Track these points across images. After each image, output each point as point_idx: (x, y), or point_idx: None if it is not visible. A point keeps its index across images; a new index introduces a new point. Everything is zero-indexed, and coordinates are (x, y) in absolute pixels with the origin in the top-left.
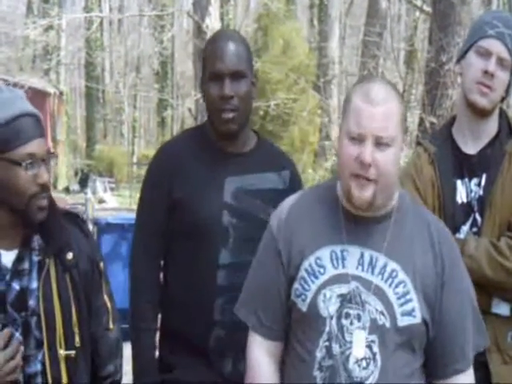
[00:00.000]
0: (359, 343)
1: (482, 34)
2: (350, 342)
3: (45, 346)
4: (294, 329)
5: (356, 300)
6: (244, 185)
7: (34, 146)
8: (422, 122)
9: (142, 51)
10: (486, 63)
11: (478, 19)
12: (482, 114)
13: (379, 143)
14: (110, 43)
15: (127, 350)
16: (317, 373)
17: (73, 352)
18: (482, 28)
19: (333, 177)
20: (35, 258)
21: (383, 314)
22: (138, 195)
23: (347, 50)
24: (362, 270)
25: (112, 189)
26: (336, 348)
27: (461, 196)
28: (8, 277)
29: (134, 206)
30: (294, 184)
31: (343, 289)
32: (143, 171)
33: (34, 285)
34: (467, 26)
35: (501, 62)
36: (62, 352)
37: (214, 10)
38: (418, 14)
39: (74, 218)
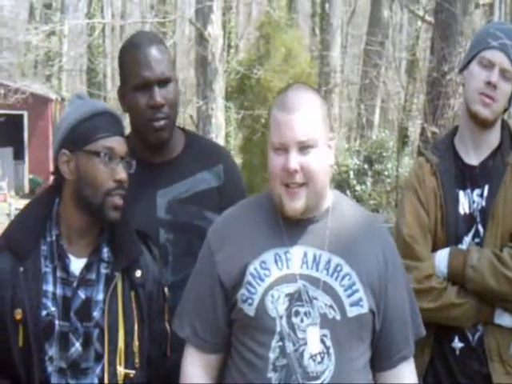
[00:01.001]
0: (313, 338)
1: (485, 45)
2: (303, 339)
3: (105, 361)
4: (241, 337)
5: (304, 297)
6: (176, 195)
7: (113, 142)
8: (423, 131)
9: None
10: (488, 74)
11: (481, 30)
12: (484, 124)
13: (302, 148)
14: (111, 50)
15: None
16: (271, 374)
17: (132, 372)
18: (485, 39)
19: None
20: (103, 270)
21: (332, 308)
22: None
23: (349, 59)
24: (307, 268)
25: None
26: (290, 346)
27: (463, 207)
28: (75, 284)
29: None
30: (230, 177)
31: (290, 288)
32: None
33: (100, 297)
34: (469, 37)
35: (503, 73)
36: (121, 369)
37: (216, 17)
38: (419, 23)
39: (144, 237)
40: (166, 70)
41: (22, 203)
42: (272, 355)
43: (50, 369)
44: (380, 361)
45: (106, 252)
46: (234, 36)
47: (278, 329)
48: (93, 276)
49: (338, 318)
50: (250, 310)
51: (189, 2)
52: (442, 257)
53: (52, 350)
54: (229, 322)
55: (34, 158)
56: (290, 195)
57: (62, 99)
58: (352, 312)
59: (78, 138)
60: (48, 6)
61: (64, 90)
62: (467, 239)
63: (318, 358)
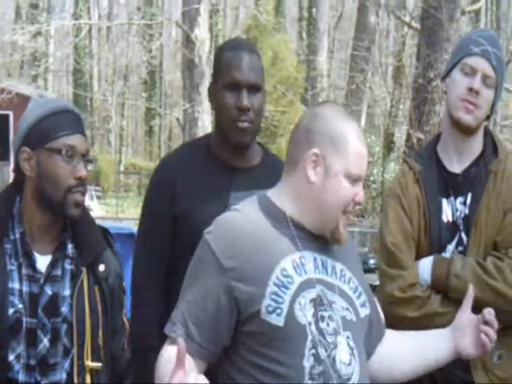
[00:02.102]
0: (343, 341)
1: (468, 51)
2: (333, 343)
3: (74, 356)
4: (260, 350)
5: (325, 302)
6: None
7: (74, 140)
8: (409, 137)
9: (130, 59)
10: (471, 81)
11: (463, 37)
12: (467, 131)
13: None
14: (98, 51)
15: None
16: (309, 382)
17: (99, 365)
18: (467, 46)
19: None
20: (67, 266)
21: (349, 310)
22: (124, 204)
23: (335, 64)
24: (320, 272)
25: (98, 197)
26: (322, 352)
27: (446, 215)
28: (42, 281)
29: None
30: None
31: (312, 293)
32: (130, 180)
33: (67, 292)
34: (455, 43)
35: (485, 79)
36: (88, 363)
37: (203, 20)
38: (406, 29)
39: (104, 232)
40: (257, 78)
41: None
42: (307, 364)
43: (17, 367)
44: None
45: (70, 248)
46: (221, 39)
47: (310, 336)
48: (58, 272)
49: (354, 319)
50: (279, 321)
51: (176, 4)
52: (425, 265)
53: (20, 348)
54: (231, 336)
55: None
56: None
57: None
58: (363, 313)
59: (38, 135)
60: (34, 7)
61: (50, 90)
62: (450, 247)
63: (347, 361)
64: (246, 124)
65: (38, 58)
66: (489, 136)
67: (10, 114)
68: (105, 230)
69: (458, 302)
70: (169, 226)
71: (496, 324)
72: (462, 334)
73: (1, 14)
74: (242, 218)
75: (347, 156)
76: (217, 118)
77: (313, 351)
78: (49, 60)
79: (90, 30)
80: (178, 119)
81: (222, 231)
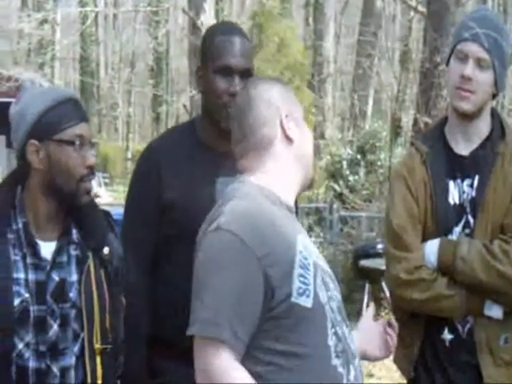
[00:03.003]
0: (344, 320)
1: (459, 37)
2: (341, 321)
3: (85, 340)
4: (290, 335)
5: (325, 281)
6: None
7: (82, 129)
8: (416, 122)
9: (136, 47)
10: (463, 67)
11: (459, 22)
12: (466, 117)
13: None
14: (104, 38)
15: None
16: (335, 361)
17: (109, 346)
18: (459, 32)
19: None
20: (73, 252)
21: (336, 290)
22: None
23: (342, 49)
24: (311, 254)
25: (106, 184)
26: (339, 330)
27: (453, 197)
28: (48, 267)
29: None
30: None
31: (320, 273)
32: None
33: (74, 278)
34: None
35: (479, 62)
36: (98, 346)
37: (208, 6)
38: (412, 14)
39: (105, 215)
40: (249, 63)
41: None
42: (331, 342)
43: (27, 354)
44: None
45: (74, 233)
46: None
47: (329, 315)
48: (64, 258)
49: (339, 297)
50: (308, 302)
51: None
52: (431, 248)
53: (28, 336)
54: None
55: None
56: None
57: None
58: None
59: (46, 127)
60: None
61: (57, 78)
62: (457, 230)
63: (351, 337)
64: None
65: (44, 45)
66: (496, 118)
67: None
68: (106, 213)
69: (464, 285)
70: (154, 213)
71: (397, 328)
72: (367, 341)
73: (7, 2)
74: (255, 207)
75: (296, 102)
76: (206, 103)
77: (333, 330)
78: (55, 48)
79: (96, 18)
80: (184, 106)
81: (245, 221)
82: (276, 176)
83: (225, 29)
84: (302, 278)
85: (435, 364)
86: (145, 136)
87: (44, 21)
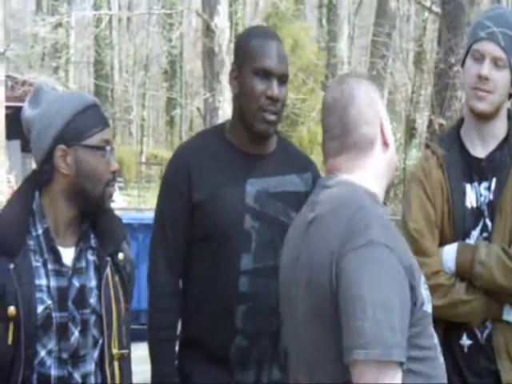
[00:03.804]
0: None
1: (475, 37)
2: None
3: (105, 345)
4: (417, 341)
5: None
6: (266, 187)
7: (108, 134)
8: (430, 123)
9: (150, 50)
10: (479, 67)
11: (474, 22)
12: (483, 118)
13: None
14: (118, 41)
15: (138, 350)
16: (440, 358)
17: (126, 351)
18: (475, 31)
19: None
20: (90, 257)
21: None
22: (146, 194)
23: (356, 50)
24: None
25: (120, 188)
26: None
27: (470, 200)
28: (70, 273)
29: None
30: None
31: None
32: (152, 171)
33: (93, 283)
34: None
35: (496, 62)
36: (116, 351)
37: (222, 8)
38: (426, 14)
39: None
40: (287, 69)
41: None
42: (436, 341)
43: (49, 362)
44: None
45: (92, 238)
46: (241, 27)
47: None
48: (83, 264)
49: None
50: (429, 308)
51: None
52: (449, 252)
53: (51, 343)
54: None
55: None
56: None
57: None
58: None
59: (74, 132)
60: None
61: (71, 82)
62: (475, 234)
63: None
64: (273, 117)
65: (58, 49)
66: None
67: None
68: (118, 218)
69: (482, 290)
70: (186, 214)
71: None
72: None
73: (22, 6)
74: (382, 213)
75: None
76: (240, 104)
77: (432, 330)
78: (70, 51)
79: (110, 21)
80: (198, 109)
81: (387, 231)
82: (375, 179)
83: (261, 32)
84: (424, 285)
85: (454, 370)
86: (159, 139)
87: (58, 24)
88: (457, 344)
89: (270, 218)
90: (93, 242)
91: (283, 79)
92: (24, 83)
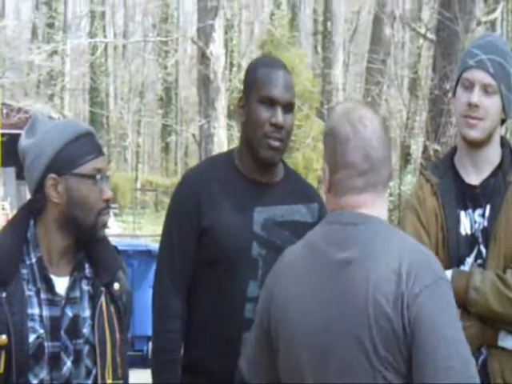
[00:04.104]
0: None
1: (464, 65)
2: None
3: (98, 376)
4: None
5: None
6: (273, 216)
7: (101, 162)
8: (425, 149)
9: (146, 77)
10: (469, 95)
11: (464, 51)
12: (476, 145)
13: None
14: (114, 69)
15: (132, 377)
16: None
17: (120, 382)
18: (464, 60)
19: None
20: (85, 287)
21: None
22: (141, 221)
23: (351, 77)
24: None
25: (115, 214)
26: None
27: (465, 227)
28: (63, 303)
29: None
30: (323, 217)
31: None
32: (147, 197)
33: (87, 313)
34: None
35: (485, 88)
36: (110, 382)
37: (217, 36)
38: (421, 41)
39: (115, 250)
40: (292, 97)
41: None
42: None
43: None
44: None
45: (87, 268)
46: (236, 54)
47: None
48: (77, 294)
49: None
50: None
51: (191, 20)
52: None
53: (43, 373)
54: None
55: None
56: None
57: (54, 119)
58: None
59: (65, 161)
60: (50, 26)
61: (67, 109)
62: (469, 260)
63: None
64: (277, 143)
65: (54, 77)
66: (507, 147)
67: None
68: (115, 248)
69: (477, 316)
70: (194, 239)
71: None
72: None
73: (17, 34)
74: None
75: None
76: (246, 133)
77: None
78: (65, 79)
79: (105, 48)
80: (194, 135)
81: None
82: (384, 216)
83: (268, 61)
84: None
85: None
86: (154, 166)
87: (54, 52)
88: None
89: (276, 246)
90: (88, 272)
91: (289, 107)
92: (19, 110)
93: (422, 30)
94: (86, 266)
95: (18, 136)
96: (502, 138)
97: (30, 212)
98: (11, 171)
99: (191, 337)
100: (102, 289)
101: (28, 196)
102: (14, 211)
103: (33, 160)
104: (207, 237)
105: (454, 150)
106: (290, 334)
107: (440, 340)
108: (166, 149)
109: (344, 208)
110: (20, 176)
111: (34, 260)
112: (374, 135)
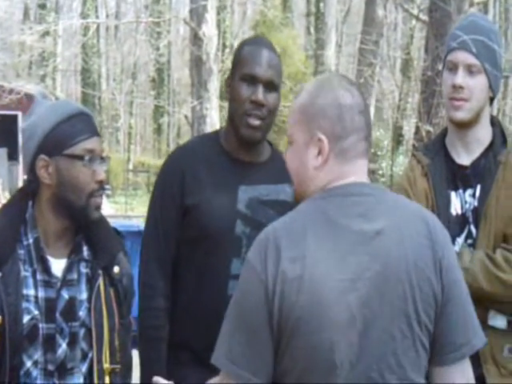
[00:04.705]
0: None
1: (448, 48)
2: None
3: (94, 359)
4: None
5: None
6: (258, 195)
7: (93, 143)
8: (418, 130)
9: (138, 58)
10: (453, 77)
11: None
12: (464, 126)
13: None
14: (106, 50)
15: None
16: None
17: (118, 366)
18: (448, 43)
19: None
20: (83, 270)
21: None
22: (133, 202)
23: (344, 58)
24: None
25: (108, 196)
26: None
27: (455, 208)
28: (58, 285)
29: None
30: None
31: None
32: (139, 178)
33: (84, 296)
34: None
35: (469, 69)
36: (107, 366)
37: (210, 17)
38: (414, 22)
39: (116, 233)
40: (275, 76)
41: None
42: None
43: (35, 373)
44: None
45: (85, 250)
46: (229, 35)
47: None
48: (74, 276)
49: None
50: None
51: (183, 1)
52: None
53: (37, 354)
54: None
55: None
56: None
57: (57, 99)
58: None
59: (56, 142)
60: (42, 7)
61: (59, 90)
62: (460, 240)
63: None
64: (257, 122)
65: (46, 57)
66: (498, 126)
67: (19, 114)
68: (116, 231)
69: None
70: (177, 216)
71: None
72: None
73: (9, 15)
74: None
75: None
76: (230, 110)
77: None
78: (57, 60)
79: (97, 29)
80: (186, 116)
81: None
82: None
83: (255, 40)
84: None
85: None
86: (146, 147)
87: (46, 33)
88: None
89: (261, 224)
90: (86, 255)
91: (271, 86)
92: (11, 91)
93: (415, 11)
94: (85, 248)
95: (9, 117)
96: (493, 118)
97: (28, 193)
98: (3, 152)
99: (176, 314)
100: (100, 271)
101: (20, 177)
102: (6, 192)
103: (26, 141)
104: (191, 215)
105: (445, 131)
106: (321, 313)
107: (468, 299)
108: (158, 130)
109: (349, 175)
110: (11, 157)
111: (31, 241)
112: (365, 103)
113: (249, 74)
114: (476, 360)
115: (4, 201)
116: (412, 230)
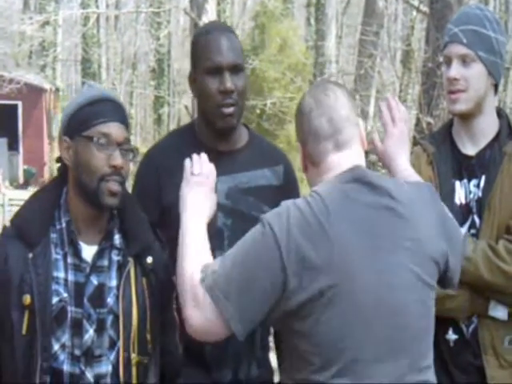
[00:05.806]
0: None
1: (443, 43)
2: None
3: (120, 348)
4: None
5: None
6: (237, 183)
7: (110, 128)
8: (418, 122)
9: (138, 48)
10: (448, 71)
11: None
12: (466, 117)
13: None
14: (106, 40)
15: None
16: None
17: (146, 358)
18: (443, 38)
19: None
20: (114, 257)
21: None
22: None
23: (344, 49)
24: None
25: None
26: None
27: (459, 197)
28: (87, 270)
29: None
30: (290, 178)
31: None
32: None
33: (113, 283)
34: None
35: (463, 59)
36: (134, 356)
37: (210, 7)
38: (414, 13)
39: (152, 226)
40: (237, 57)
41: (17, 194)
42: None
43: (62, 356)
44: None
45: (117, 239)
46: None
47: None
48: (105, 263)
49: None
50: None
51: None
52: None
53: (65, 337)
54: None
55: (28, 149)
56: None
57: (57, 89)
58: None
59: (76, 124)
60: None
61: (58, 80)
62: (463, 230)
63: None
64: (231, 109)
65: (46, 47)
66: (505, 118)
67: (19, 104)
68: (154, 225)
69: (468, 286)
70: (155, 216)
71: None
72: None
73: (9, 4)
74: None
75: None
76: (200, 105)
77: None
78: (57, 49)
79: (97, 19)
80: (186, 107)
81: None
82: None
83: (208, 28)
84: None
85: (438, 364)
86: (146, 137)
87: (46, 23)
88: (442, 338)
89: (242, 213)
90: (118, 243)
91: (236, 68)
92: (11, 81)
93: (416, 3)
94: (117, 236)
95: (9, 106)
96: (500, 110)
97: (63, 178)
98: (3, 142)
99: None
100: (129, 259)
101: (20, 167)
102: (6, 182)
103: (60, 126)
104: (169, 214)
105: (451, 121)
106: (353, 284)
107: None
108: (158, 120)
109: (325, 172)
110: (11, 147)
111: (64, 225)
112: (338, 102)
113: (212, 67)
114: (476, 350)
115: (4, 190)
116: (428, 209)
